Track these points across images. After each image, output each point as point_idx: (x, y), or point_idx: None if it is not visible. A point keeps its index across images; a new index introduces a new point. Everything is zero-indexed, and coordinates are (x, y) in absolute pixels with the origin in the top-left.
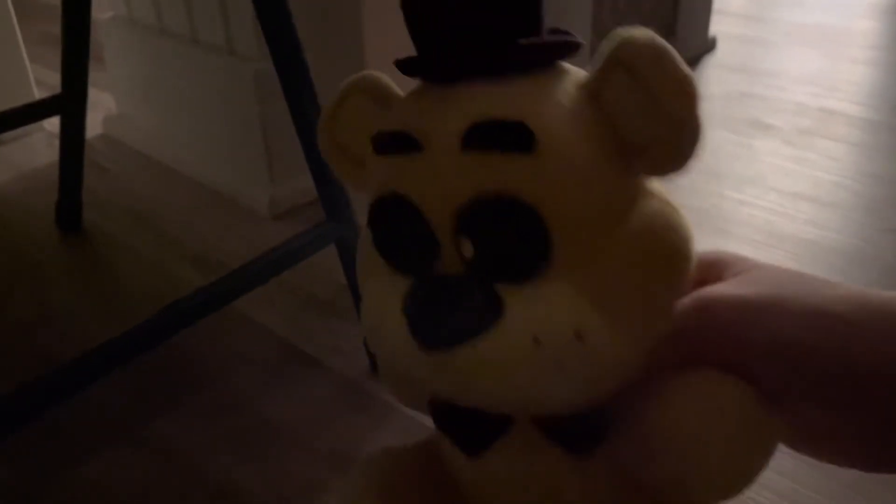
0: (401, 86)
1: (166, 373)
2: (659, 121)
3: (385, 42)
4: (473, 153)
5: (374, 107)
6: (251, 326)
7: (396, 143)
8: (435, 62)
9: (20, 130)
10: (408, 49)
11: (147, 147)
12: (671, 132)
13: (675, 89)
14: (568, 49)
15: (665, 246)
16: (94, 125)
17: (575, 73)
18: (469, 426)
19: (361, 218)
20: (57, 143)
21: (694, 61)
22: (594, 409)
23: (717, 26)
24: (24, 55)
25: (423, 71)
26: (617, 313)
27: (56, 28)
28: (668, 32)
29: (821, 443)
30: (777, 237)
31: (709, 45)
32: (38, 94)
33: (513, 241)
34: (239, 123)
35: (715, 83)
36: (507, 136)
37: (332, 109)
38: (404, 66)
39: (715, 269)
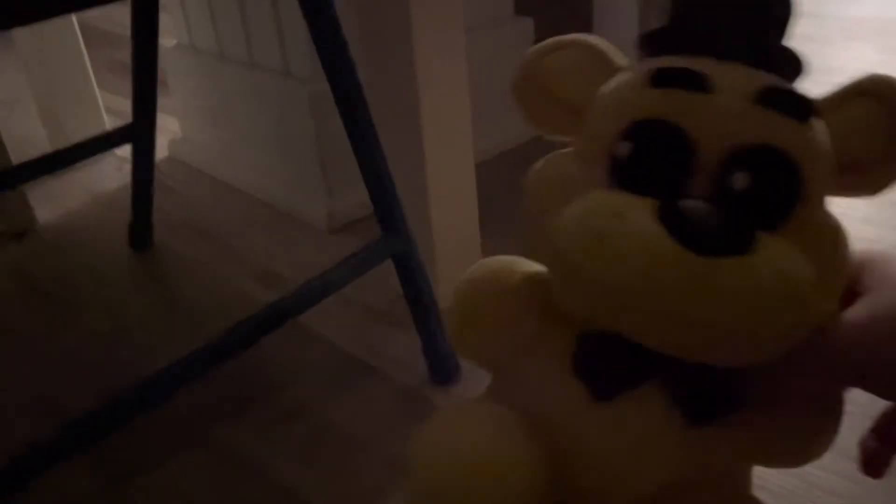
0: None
1: (234, 382)
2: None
3: (435, 58)
4: (764, 109)
5: (592, 62)
6: (312, 337)
7: (688, 80)
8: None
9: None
10: (458, 67)
11: (211, 167)
12: None
13: None
14: (801, 64)
15: (840, 235)
16: (160, 148)
17: None
18: (609, 369)
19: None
20: (126, 167)
21: None
22: (724, 383)
23: None
24: (94, 83)
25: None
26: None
27: (122, 54)
28: None
29: None
30: None
31: None
32: (107, 120)
33: (782, 182)
34: (296, 142)
35: None
36: (796, 104)
37: (540, 54)
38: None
39: (860, 272)
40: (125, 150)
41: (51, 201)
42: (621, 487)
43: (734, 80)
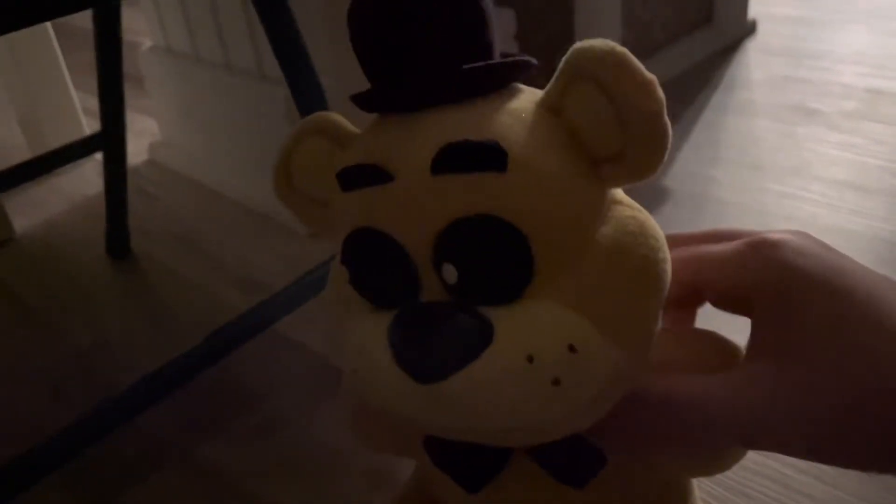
0: (364, 123)
1: (210, 395)
2: (630, 126)
3: None
4: (445, 177)
5: (331, 147)
6: (290, 345)
7: (365, 176)
8: (391, 93)
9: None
10: None
11: (190, 170)
12: (643, 137)
13: (642, 93)
14: (519, 70)
15: (641, 250)
16: (140, 152)
17: (530, 91)
18: (468, 462)
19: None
20: None
21: (733, 47)
22: (589, 439)
23: (758, 7)
24: (70, 84)
25: (380, 103)
26: (606, 321)
27: None
28: (706, 18)
29: None
30: (821, 229)
31: (749, 29)
32: (85, 121)
33: (496, 261)
34: (273, 144)
35: (756, 68)
36: (479, 157)
37: (287, 153)
38: (361, 101)
39: (759, 286)
40: None
41: (30, 209)
42: None
43: (412, 152)
